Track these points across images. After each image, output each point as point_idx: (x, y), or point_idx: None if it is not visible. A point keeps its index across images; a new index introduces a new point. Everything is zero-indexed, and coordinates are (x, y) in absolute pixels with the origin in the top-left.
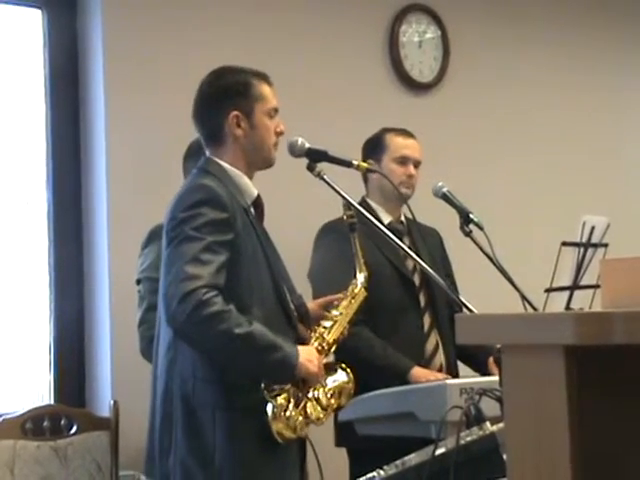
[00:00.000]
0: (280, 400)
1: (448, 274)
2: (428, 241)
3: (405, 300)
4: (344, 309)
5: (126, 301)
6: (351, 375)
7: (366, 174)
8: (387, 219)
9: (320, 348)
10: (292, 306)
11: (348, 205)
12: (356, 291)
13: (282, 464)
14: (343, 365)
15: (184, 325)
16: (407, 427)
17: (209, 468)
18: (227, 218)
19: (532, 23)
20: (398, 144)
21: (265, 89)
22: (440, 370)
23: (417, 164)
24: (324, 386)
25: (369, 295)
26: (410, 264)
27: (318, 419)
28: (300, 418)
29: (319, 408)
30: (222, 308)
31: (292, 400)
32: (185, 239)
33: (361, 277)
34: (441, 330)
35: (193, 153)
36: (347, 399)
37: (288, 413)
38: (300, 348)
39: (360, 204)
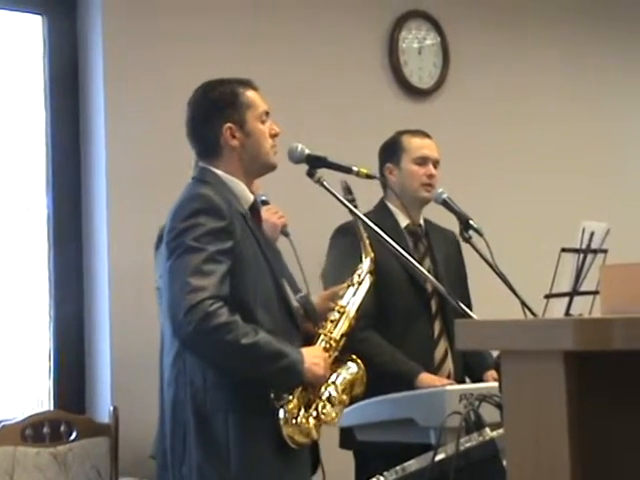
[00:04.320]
0: (290, 406)
1: (462, 280)
2: (445, 245)
3: (416, 306)
4: (351, 298)
5: (126, 306)
6: (361, 365)
7: (381, 179)
8: (404, 222)
9: (328, 346)
10: (295, 305)
11: (347, 189)
12: (362, 277)
13: (295, 464)
14: (353, 357)
15: (191, 337)
16: (407, 433)
17: (225, 472)
18: (226, 226)
19: (532, 30)
20: (416, 145)
21: (252, 95)
22: (449, 377)
23: (436, 163)
24: (335, 382)
25: (381, 300)
26: (423, 269)
27: (332, 419)
28: (312, 422)
29: (331, 407)
30: (228, 319)
31: (302, 406)
32: (186, 250)
33: (366, 262)
34: (450, 337)
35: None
36: (362, 387)
37: (298, 420)
38: (305, 351)
39: (379, 206)
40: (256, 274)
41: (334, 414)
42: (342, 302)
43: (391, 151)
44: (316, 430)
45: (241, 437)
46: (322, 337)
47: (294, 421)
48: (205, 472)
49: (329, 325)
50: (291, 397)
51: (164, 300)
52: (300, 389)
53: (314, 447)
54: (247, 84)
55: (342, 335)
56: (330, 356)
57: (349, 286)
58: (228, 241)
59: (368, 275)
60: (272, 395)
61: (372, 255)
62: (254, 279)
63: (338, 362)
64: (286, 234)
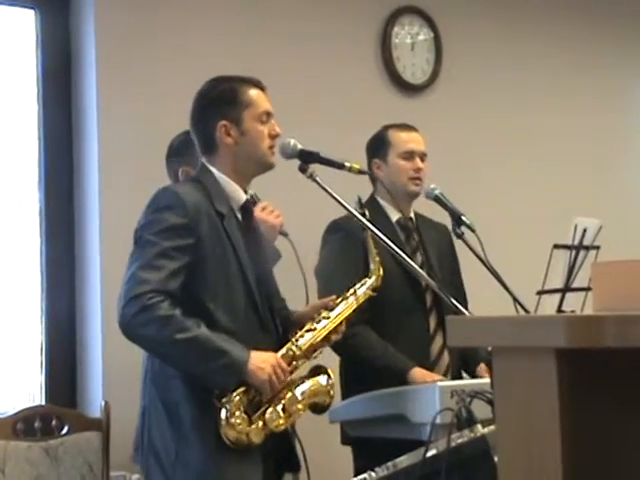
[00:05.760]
0: (230, 406)
1: (455, 272)
2: (437, 238)
3: (411, 300)
4: (339, 310)
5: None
6: (331, 380)
7: (372, 175)
8: (395, 216)
9: (291, 354)
10: (269, 312)
11: (359, 202)
12: (359, 292)
13: (244, 458)
14: (328, 370)
15: (127, 328)
16: (398, 429)
17: (175, 461)
18: (187, 223)
19: (525, 26)
20: (402, 139)
21: (253, 94)
22: (446, 372)
23: (423, 157)
24: (293, 391)
25: (376, 295)
26: (417, 263)
27: (277, 426)
28: (254, 426)
29: (281, 414)
30: (165, 313)
31: (241, 407)
32: (144, 243)
33: (371, 280)
34: (446, 331)
35: (174, 153)
36: (325, 398)
37: (232, 420)
38: (254, 354)
39: (369, 202)
40: (220, 274)
41: (282, 421)
42: (329, 314)
43: (378, 146)
44: (258, 434)
45: (190, 427)
46: (287, 345)
47: (231, 421)
48: (159, 458)
49: (303, 334)
50: (232, 396)
51: None
52: (243, 390)
53: (290, 448)
54: (252, 83)
55: (312, 346)
56: (295, 366)
57: (343, 299)
58: (188, 238)
59: (368, 291)
60: (216, 392)
61: (380, 273)
62: (217, 279)
63: (314, 372)
64: (284, 234)
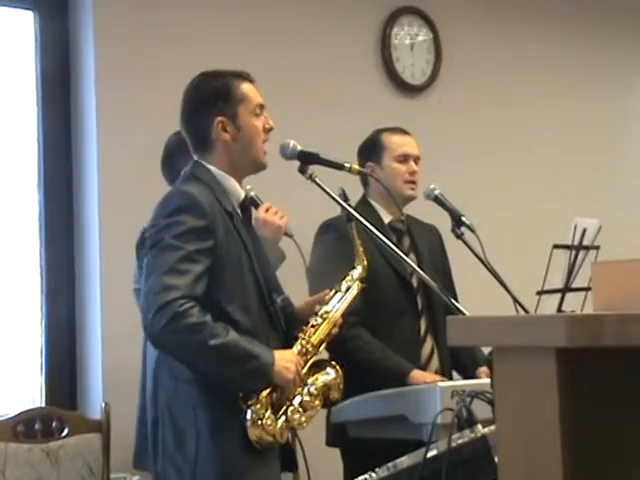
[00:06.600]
0: (257, 406)
1: (446, 273)
2: (428, 239)
3: (403, 302)
4: (336, 304)
5: (117, 304)
6: (339, 371)
7: (368, 176)
8: (387, 218)
9: (304, 350)
10: (276, 309)
11: (343, 194)
12: (350, 283)
13: (264, 460)
14: (333, 362)
15: (159, 336)
16: (399, 430)
17: (195, 467)
18: (206, 225)
19: (524, 26)
20: (396, 142)
21: (246, 88)
22: (436, 374)
23: (417, 160)
24: (309, 387)
25: (367, 297)
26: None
27: (300, 424)
28: (279, 424)
29: (301, 411)
30: (197, 320)
31: (269, 408)
32: (164, 248)
33: (358, 270)
34: (436, 334)
35: (175, 152)
36: (337, 393)
37: (263, 421)
38: (277, 354)
39: (361, 203)
40: (237, 275)
41: (303, 418)
42: (327, 308)
43: (371, 150)
44: (282, 433)
45: (210, 432)
46: (299, 341)
47: (259, 422)
48: (178, 465)
49: (309, 330)
50: (259, 397)
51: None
52: (268, 390)
53: (288, 447)
54: (243, 76)
55: (320, 340)
56: (307, 361)
57: (336, 292)
58: (208, 240)
59: (357, 282)
60: (240, 394)
61: (365, 263)
62: (234, 279)
63: (318, 367)
64: (289, 235)
